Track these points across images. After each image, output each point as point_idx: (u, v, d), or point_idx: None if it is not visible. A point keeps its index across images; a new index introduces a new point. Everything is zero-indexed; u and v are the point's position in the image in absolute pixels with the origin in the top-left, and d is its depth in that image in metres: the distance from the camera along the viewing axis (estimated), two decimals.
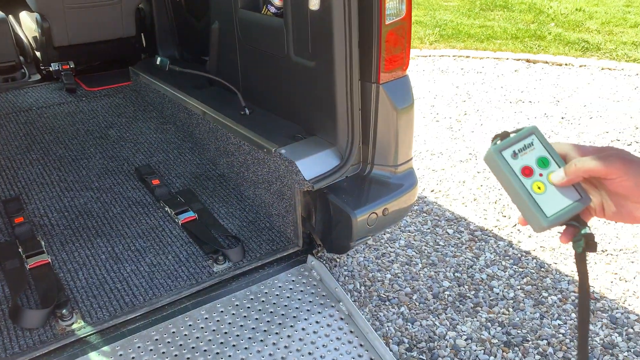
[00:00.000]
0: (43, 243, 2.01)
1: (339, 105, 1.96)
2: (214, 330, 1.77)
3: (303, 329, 1.82)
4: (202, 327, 1.77)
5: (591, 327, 2.28)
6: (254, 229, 2.17)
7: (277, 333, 1.79)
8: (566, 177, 0.74)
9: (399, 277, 2.57)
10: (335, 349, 1.78)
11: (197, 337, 1.74)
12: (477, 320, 2.32)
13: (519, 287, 2.50)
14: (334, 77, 1.92)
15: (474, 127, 4.11)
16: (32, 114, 2.97)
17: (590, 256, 2.69)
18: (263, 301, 1.88)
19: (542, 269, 2.61)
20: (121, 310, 1.77)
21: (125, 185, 2.40)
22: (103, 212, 2.23)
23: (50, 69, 3.27)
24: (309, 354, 1.74)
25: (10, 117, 2.93)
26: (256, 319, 1.82)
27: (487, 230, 2.92)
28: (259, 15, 2.27)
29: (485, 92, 4.79)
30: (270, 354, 1.71)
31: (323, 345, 1.78)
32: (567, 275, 2.57)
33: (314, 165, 1.98)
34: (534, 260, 2.68)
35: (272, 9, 2.19)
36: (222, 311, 1.83)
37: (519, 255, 2.72)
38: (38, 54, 3.32)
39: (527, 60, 5.53)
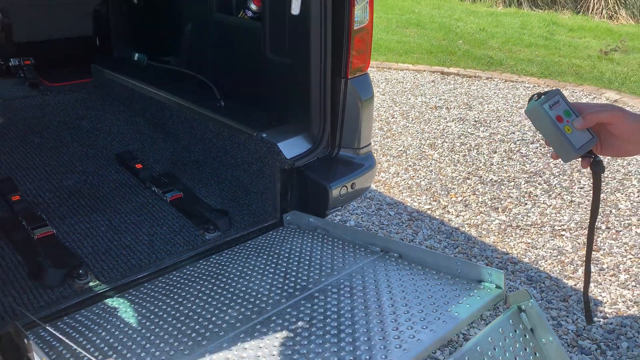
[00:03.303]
0: (44, 217, 2.18)
1: (313, 97, 2.31)
2: (214, 268, 2.00)
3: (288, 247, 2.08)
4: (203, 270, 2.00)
5: (512, 282, 2.79)
6: (235, 206, 2.45)
7: (264, 256, 2.03)
8: (584, 122, 1.06)
9: None
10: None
11: (200, 276, 1.97)
12: None
13: (452, 255, 2.97)
14: (309, 72, 2.28)
15: (401, 128, 4.61)
16: None
17: (507, 230, 3.23)
18: (248, 246, 2.14)
19: (470, 241, 3.11)
20: (130, 271, 2.00)
21: (108, 169, 2.59)
22: (93, 192, 2.42)
23: (10, 64, 3.35)
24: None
25: None
26: (246, 254, 2.07)
27: (422, 212, 3.39)
28: (236, 19, 2.58)
29: (408, 99, 5.34)
30: (265, 263, 1.96)
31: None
32: (490, 246, 3.08)
33: (291, 147, 2.31)
34: (463, 235, 3.16)
35: (249, 13, 2.51)
36: (217, 259, 2.06)
37: (450, 230, 3.20)
38: None
39: (442, 72, 6.19)
